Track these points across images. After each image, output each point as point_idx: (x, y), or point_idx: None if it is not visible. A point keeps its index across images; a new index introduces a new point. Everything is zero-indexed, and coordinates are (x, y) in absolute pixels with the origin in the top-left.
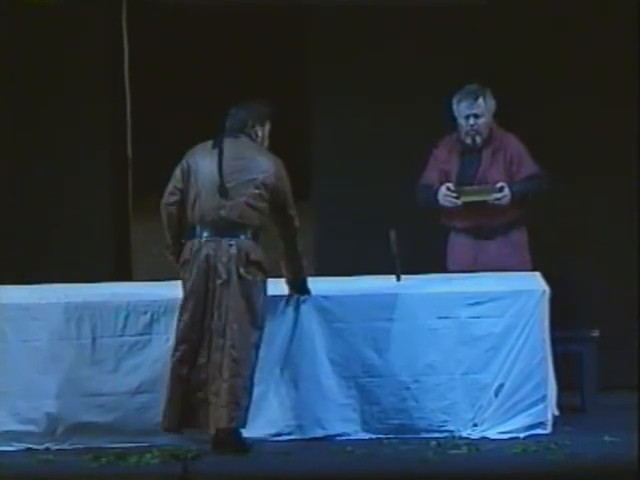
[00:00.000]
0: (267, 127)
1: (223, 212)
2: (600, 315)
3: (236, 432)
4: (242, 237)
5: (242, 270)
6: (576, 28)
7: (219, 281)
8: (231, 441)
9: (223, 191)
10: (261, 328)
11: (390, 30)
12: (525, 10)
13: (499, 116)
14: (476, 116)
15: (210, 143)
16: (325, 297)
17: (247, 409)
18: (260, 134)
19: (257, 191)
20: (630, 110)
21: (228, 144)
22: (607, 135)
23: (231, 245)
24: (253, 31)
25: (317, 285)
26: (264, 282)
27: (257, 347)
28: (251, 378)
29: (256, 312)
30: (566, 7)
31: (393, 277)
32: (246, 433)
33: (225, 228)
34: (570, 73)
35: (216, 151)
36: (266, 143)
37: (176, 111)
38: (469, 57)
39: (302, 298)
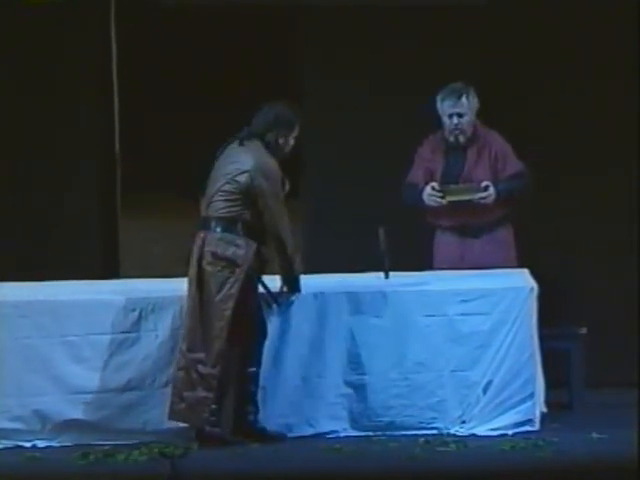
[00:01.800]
0: (293, 134)
1: (202, 207)
2: (587, 312)
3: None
4: (211, 229)
5: (203, 262)
6: (576, 28)
7: (190, 273)
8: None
9: (203, 187)
10: (225, 320)
11: (390, 30)
12: (525, 10)
13: (499, 116)
14: (459, 115)
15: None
16: (314, 294)
17: (202, 401)
18: (281, 141)
19: (228, 186)
20: (630, 110)
21: (232, 146)
22: (607, 134)
23: (200, 237)
24: (253, 31)
25: (306, 282)
26: (229, 274)
27: (220, 339)
28: (214, 369)
29: (216, 304)
30: (566, 7)
31: (382, 274)
32: None
33: (203, 222)
34: (570, 73)
35: (219, 152)
36: (287, 149)
37: (175, 111)
38: (469, 57)
39: (292, 296)
